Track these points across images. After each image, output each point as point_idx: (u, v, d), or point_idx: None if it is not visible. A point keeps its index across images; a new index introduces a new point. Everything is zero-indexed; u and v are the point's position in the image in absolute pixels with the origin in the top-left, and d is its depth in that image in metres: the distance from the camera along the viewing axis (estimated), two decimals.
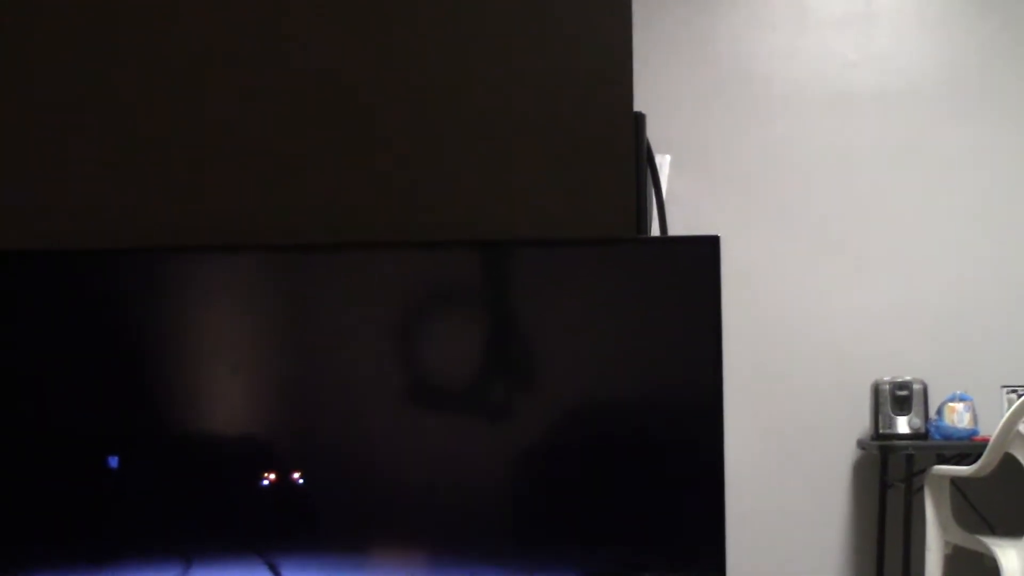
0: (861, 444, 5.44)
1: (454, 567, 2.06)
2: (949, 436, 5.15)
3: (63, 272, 2.10)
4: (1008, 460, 4.60)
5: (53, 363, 2.08)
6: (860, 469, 5.51)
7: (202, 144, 2.33)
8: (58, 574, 2.05)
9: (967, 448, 5.09)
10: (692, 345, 2.01)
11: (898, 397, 5.21)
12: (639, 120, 2.29)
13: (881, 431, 5.22)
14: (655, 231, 2.49)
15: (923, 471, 5.04)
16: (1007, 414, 4.53)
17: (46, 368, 2.08)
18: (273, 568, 2.05)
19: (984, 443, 4.77)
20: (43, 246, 2.20)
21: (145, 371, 2.08)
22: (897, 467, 5.21)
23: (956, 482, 5.12)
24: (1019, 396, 5.20)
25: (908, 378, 5.24)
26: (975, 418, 5.19)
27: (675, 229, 2.60)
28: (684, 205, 5.30)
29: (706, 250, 2.00)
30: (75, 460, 2.07)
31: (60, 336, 2.08)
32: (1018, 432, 4.56)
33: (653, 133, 2.39)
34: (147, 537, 2.05)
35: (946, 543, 4.98)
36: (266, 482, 2.06)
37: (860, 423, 5.44)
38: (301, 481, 2.05)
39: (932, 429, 5.19)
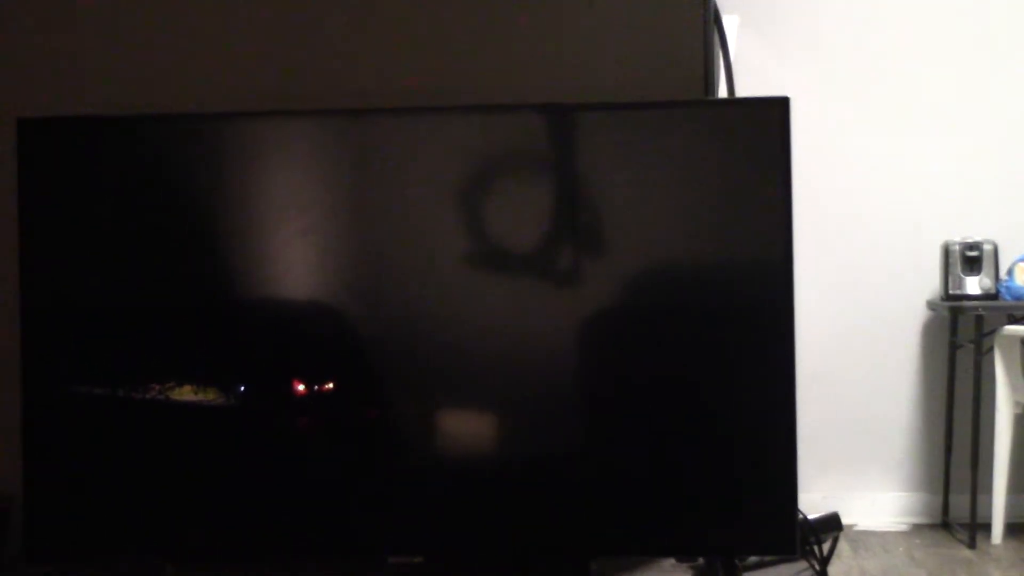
0: (931, 305, 5.41)
1: (521, 430, 2.08)
2: (1019, 296, 5.11)
3: (133, 138, 2.12)
4: None
5: (124, 230, 2.11)
6: (930, 330, 5.49)
7: (266, 11, 2.33)
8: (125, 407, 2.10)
9: None
10: (762, 208, 2.00)
11: (968, 258, 5.17)
12: None
13: (951, 292, 5.19)
14: (723, 94, 2.47)
15: (993, 331, 5.01)
16: None
17: (117, 234, 2.11)
18: (337, 430, 2.08)
19: None
20: (115, 112, 2.21)
21: (215, 236, 2.11)
22: (967, 328, 5.19)
23: None
24: None
25: (978, 239, 5.20)
26: None
27: (743, 92, 2.58)
28: (752, 68, 5.24)
29: (775, 112, 1.99)
30: (147, 325, 2.11)
31: (130, 202, 2.11)
32: None
33: None
34: (214, 383, 2.09)
35: (1016, 403, 4.97)
36: (333, 343, 2.09)
37: (930, 285, 5.40)
38: (368, 344, 2.08)
39: (1002, 289, 5.15)
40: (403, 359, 2.08)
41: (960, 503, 5.22)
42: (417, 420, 2.10)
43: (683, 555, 2.13)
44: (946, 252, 5.22)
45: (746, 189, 2.01)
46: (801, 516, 2.03)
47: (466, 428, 2.11)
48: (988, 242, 5.18)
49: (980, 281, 5.16)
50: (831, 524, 2.13)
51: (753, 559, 2.09)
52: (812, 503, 2.25)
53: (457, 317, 2.07)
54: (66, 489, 2.12)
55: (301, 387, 2.07)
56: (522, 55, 2.30)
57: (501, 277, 2.07)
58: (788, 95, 1.99)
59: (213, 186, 2.12)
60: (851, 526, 5.33)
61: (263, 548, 2.13)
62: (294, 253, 2.10)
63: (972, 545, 4.98)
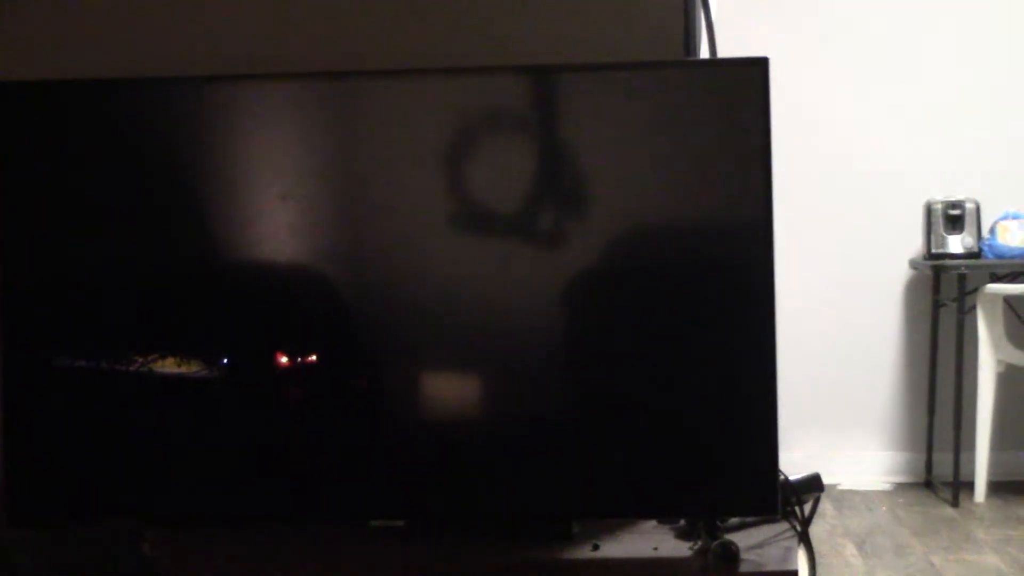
0: (913, 264, 5.42)
1: (504, 392, 2.08)
2: (1002, 255, 5.12)
3: (108, 104, 2.11)
4: None
5: (102, 198, 2.09)
6: (913, 289, 5.50)
7: None
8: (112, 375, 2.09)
9: (1020, 267, 5.06)
10: (742, 168, 2.00)
11: (950, 216, 5.17)
12: None
13: (933, 251, 5.19)
14: (705, 54, 2.46)
15: (975, 290, 5.02)
16: None
17: (95, 203, 2.10)
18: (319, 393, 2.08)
19: None
20: (88, 76, 2.19)
21: (195, 204, 2.10)
22: (950, 286, 5.20)
23: (1009, 300, 5.12)
24: None
25: (960, 197, 5.20)
26: None
27: (725, 52, 2.57)
28: (735, 27, 5.21)
29: (755, 72, 1.98)
30: (125, 289, 2.10)
31: (107, 170, 2.10)
32: None
33: None
34: (192, 353, 2.08)
35: (998, 361, 4.99)
36: (315, 308, 2.08)
37: (913, 243, 5.41)
38: (352, 309, 2.08)
39: (985, 248, 5.16)
40: (386, 324, 2.08)
41: (943, 462, 5.24)
42: (400, 385, 2.10)
43: (665, 516, 2.13)
44: (928, 211, 5.22)
45: (726, 149, 2.01)
46: (782, 477, 2.03)
47: (449, 392, 2.11)
48: (970, 200, 5.18)
49: (962, 240, 5.16)
50: (812, 485, 2.13)
51: (735, 520, 2.10)
52: (795, 463, 2.25)
53: (440, 280, 2.07)
54: (47, 455, 2.11)
55: (284, 359, 2.07)
56: (502, 16, 2.28)
57: (484, 239, 2.06)
58: (769, 55, 1.99)
59: (192, 152, 2.10)
60: (834, 485, 5.35)
61: (244, 514, 2.13)
62: (276, 219, 2.09)
63: (955, 503, 5.01)
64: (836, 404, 5.51)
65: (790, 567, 1.97)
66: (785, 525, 2.10)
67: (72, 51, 2.33)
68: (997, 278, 5.09)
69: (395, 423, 2.09)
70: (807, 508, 2.12)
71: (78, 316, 2.10)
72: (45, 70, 2.24)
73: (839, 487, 5.37)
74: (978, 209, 5.18)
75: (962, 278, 5.03)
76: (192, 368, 2.07)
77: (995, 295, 4.98)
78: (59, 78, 2.14)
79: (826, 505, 5.00)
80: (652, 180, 2.04)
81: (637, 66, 2.07)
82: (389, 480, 2.08)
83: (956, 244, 5.16)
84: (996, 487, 5.15)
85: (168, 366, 2.07)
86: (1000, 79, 5.44)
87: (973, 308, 5.02)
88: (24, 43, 2.35)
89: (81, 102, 2.10)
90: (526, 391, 2.07)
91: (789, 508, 2.09)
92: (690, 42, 2.28)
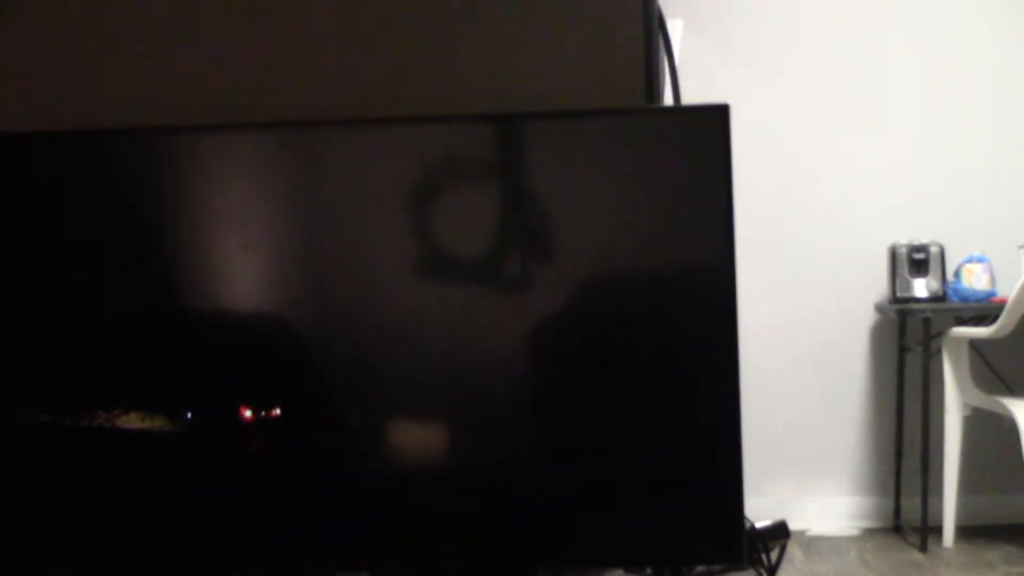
0: (879, 308, 5.44)
1: (469, 439, 2.07)
2: (967, 298, 5.15)
3: (66, 153, 2.09)
4: None
5: (61, 248, 2.08)
6: (878, 333, 5.52)
7: (207, 21, 2.31)
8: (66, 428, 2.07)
9: (985, 309, 5.09)
10: (704, 213, 2.00)
11: (915, 260, 5.20)
12: None
13: (899, 295, 5.22)
14: (668, 99, 2.47)
15: (941, 333, 5.04)
16: None
17: (55, 253, 2.08)
18: (285, 441, 2.07)
19: (1002, 304, 4.78)
20: (50, 127, 2.18)
21: (156, 252, 2.08)
22: (915, 330, 5.22)
23: (974, 344, 5.14)
24: None
25: (925, 241, 5.23)
26: (992, 279, 5.18)
27: (689, 96, 2.58)
28: (699, 71, 5.25)
29: (715, 119, 1.98)
30: (90, 337, 2.08)
31: (67, 219, 2.08)
32: None
33: None
34: (156, 406, 2.06)
35: (964, 404, 5.00)
36: (279, 358, 2.07)
37: (878, 287, 5.43)
38: (316, 359, 2.06)
39: (950, 291, 5.19)
40: (350, 372, 2.07)
41: (912, 506, 5.25)
42: (365, 434, 2.08)
43: (629, 565, 2.12)
44: (893, 254, 5.25)
45: (689, 194, 2.01)
46: (748, 524, 2.02)
47: (414, 439, 2.09)
48: (935, 244, 5.21)
49: (927, 283, 5.19)
50: (778, 532, 2.13)
51: (701, 568, 2.09)
52: (764, 509, 2.25)
53: (405, 327, 2.06)
54: (5, 510, 2.08)
55: (248, 411, 2.05)
56: (464, 65, 2.28)
57: (449, 286, 2.06)
58: (731, 99, 1.99)
59: (151, 202, 2.09)
60: (803, 531, 5.35)
61: (210, 566, 2.11)
62: (238, 270, 2.08)
63: (924, 548, 5.01)
64: (804, 449, 5.52)
65: None
66: (752, 573, 2.09)
67: (30, 102, 2.32)
68: (962, 321, 5.12)
69: (359, 472, 2.07)
70: (774, 555, 2.11)
71: (37, 369, 2.08)
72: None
73: (808, 532, 5.36)
74: (943, 252, 5.21)
75: (927, 322, 5.05)
76: (156, 422, 2.06)
77: (960, 338, 5.00)
78: (12, 130, 2.13)
79: (795, 551, 4.99)
80: (615, 225, 2.04)
81: (598, 113, 2.08)
82: (353, 530, 2.06)
83: (921, 288, 5.19)
84: (964, 531, 5.16)
85: (132, 420, 2.05)
86: (964, 122, 5.48)
87: (939, 352, 5.04)
88: None
89: (37, 153, 2.09)
90: (491, 438, 2.06)
91: (756, 555, 2.08)
92: (652, 88, 2.28)
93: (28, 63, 2.33)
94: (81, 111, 2.28)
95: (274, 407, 2.05)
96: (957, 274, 5.21)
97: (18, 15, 2.33)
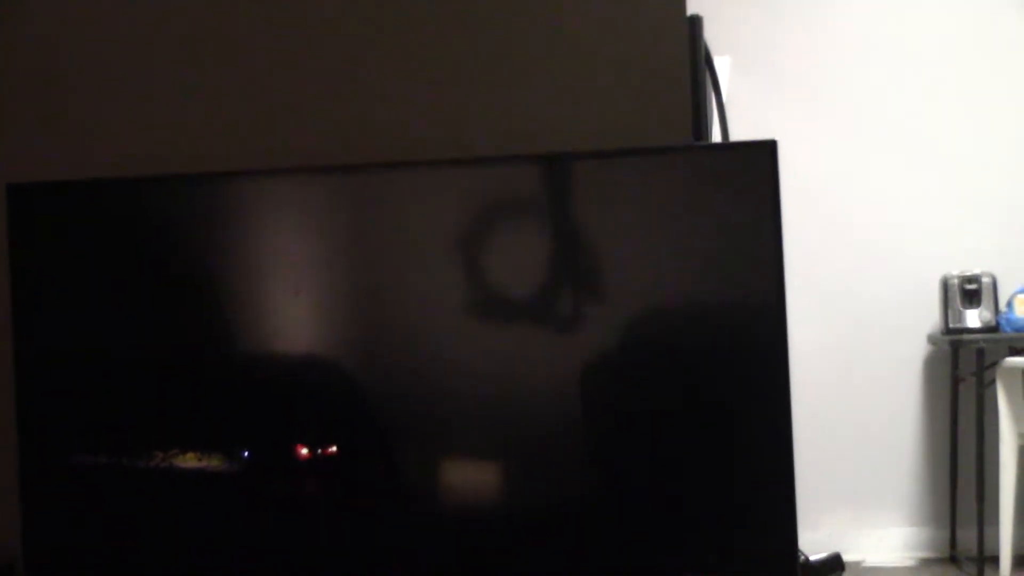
0: (932, 340, 5.42)
1: (522, 479, 2.08)
2: (1019, 328, 5.11)
3: (123, 201, 2.13)
4: None
5: (118, 295, 2.11)
6: (931, 365, 5.49)
7: (254, 69, 2.35)
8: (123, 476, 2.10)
9: None
10: (754, 249, 2.00)
11: (967, 291, 5.17)
12: (694, 23, 2.28)
13: (951, 326, 5.19)
14: (716, 136, 2.48)
15: (994, 364, 5.01)
16: None
17: (112, 300, 2.11)
18: (339, 482, 2.08)
19: None
20: (102, 174, 2.21)
21: (213, 296, 2.11)
22: (968, 361, 5.19)
23: None
24: None
25: (977, 271, 5.20)
26: None
27: (738, 132, 2.59)
28: (747, 108, 5.26)
29: (764, 155, 1.99)
30: (148, 380, 2.11)
31: (123, 266, 2.11)
32: None
33: (712, 35, 2.38)
34: (212, 446, 2.08)
35: (1020, 435, 4.97)
36: (332, 400, 2.09)
37: (930, 319, 5.41)
38: (370, 400, 2.08)
39: (1002, 322, 5.16)
40: (405, 414, 2.08)
41: (967, 537, 5.21)
42: (420, 473, 2.09)
43: None
44: (945, 286, 5.22)
45: (738, 231, 2.02)
46: (803, 558, 2.02)
47: (468, 479, 2.10)
48: (987, 275, 5.19)
49: (980, 314, 5.16)
50: (833, 564, 2.12)
51: None
52: (818, 542, 2.25)
53: (457, 368, 2.07)
54: (66, 552, 2.11)
55: (304, 451, 2.07)
56: (512, 104, 2.30)
57: (500, 326, 2.07)
58: (780, 136, 2.00)
59: (205, 247, 2.12)
60: (859, 562, 5.32)
61: None
62: (291, 312, 2.10)
63: None
64: (858, 481, 5.48)
65: None
66: None
67: (82, 151, 2.36)
68: (1016, 351, 5.09)
69: (415, 511, 2.08)
70: None
71: (95, 411, 2.11)
72: (62, 170, 2.27)
73: (863, 564, 5.33)
74: (995, 283, 5.19)
75: (980, 352, 5.02)
76: (212, 462, 2.08)
77: (1014, 368, 4.97)
78: (74, 179, 2.17)
79: None
80: (665, 263, 2.05)
81: (647, 151, 2.09)
82: (408, 568, 2.07)
83: (974, 318, 5.16)
84: (1022, 561, 5.11)
85: (188, 460, 2.08)
86: (1015, 151, 5.46)
87: (993, 382, 5.01)
88: (33, 141, 2.38)
89: (96, 201, 2.12)
90: (545, 476, 2.06)
91: None
92: (700, 124, 2.30)
93: (69, 110, 2.37)
94: (141, 160, 2.32)
95: (329, 447, 2.07)
96: (1009, 304, 5.18)
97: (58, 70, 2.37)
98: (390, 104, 2.32)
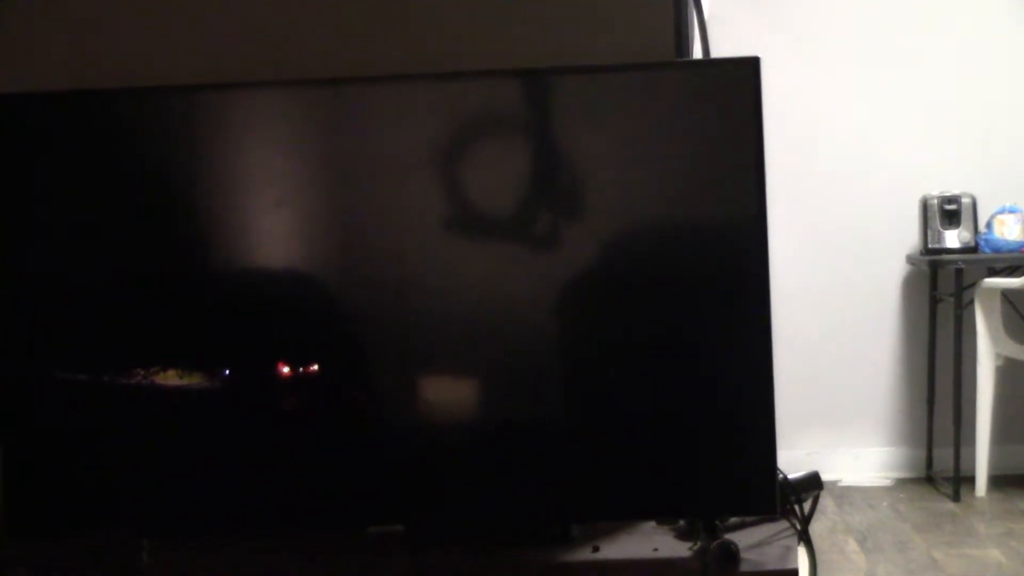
0: (911, 260, 5.42)
1: (501, 396, 2.08)
2: (999, 249, 5.12)
3: (99, 114, 2.10)
4: None
5: (96, 210, 2.09)
6: (910, 285, 5.50)
7: None
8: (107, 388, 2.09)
9: (1017, 260, 5.07)
10: (735, 167, 1.99)
11: (947, 211, 5.17)
12: None
13: (930, 246, 5.20)
14: (698, 54, 2.46)
15: (973, 284, 5.03)
16: None
17: (89, 215, 2.09)
18: (316, 394, 2.08)
19: None
20: (79, 86, 2.18)
21: (191, 210, 2.09)
22: (947, 281, 5.20)
23: (1006, 294, 5.12)
24: None
25: (957, 192, 5.20)
26: None
27: (719, 51, 2.57)
28: (728, 25, 5.22)
29: (746, 72, 1.98)
30: (127, 297, 2.10)
31: (99, 180, 2.09)
32: None
33: None
34: (191, 362, 2.08)
35: (997, 355, 4.99)
36: (312, 315, 2.08)
37: (909, 239, 5.41)
38: (349, 316, 2.07)
39: (982, 242, 5.16)
40: (383, 329, 2.07)
41: (944, 457, 5.25)
42: (398, 390, 2.09)
43: (664, 517, 2.13)
44: (924, 206, 5.23)
45: (719, 149, 2.01)
46: (781, 476, 2.03)
47: (446, 397, 2.10)
48: (966, 195, 5.19)
49: (959, 234, 5.17)
50: (811, 483, 2.13)
51: (734, 520, 2.10)
52: (796, 461, 2.26)
53: (437, 285, 2.06)
54: (45, 467, 2.10)
55: (286, 368, 2.07)
56: (493, 20, 2.28)
57: (480, 243, 2.06)
58: (763, 53, 1.98)
59: (184, 161, 2.10)
60: (835, 482, 5.36)
61: (243, 523, 2.13)
62: (272, 227, 2.09)
63: (956, 498, 5.01)
64: (836, 401, 5.51)
65: (790, 566, 1.97)
66: (785, 524, 2.10)
67: (61, 61, 2.33)
68: (994, 272, 5.10)
69: (393, 429, 2.08)
70: (807, 506, 2.12)
71: (75, 329, 2.10)
72: (37, 79, 2.24)
73: (840, 483, 5.37)
74: (975, 203, 5.19)
75: (959, 273, 5.03)
76: (193, 380, 2.07)
77: (993, 289, 4.98)
78: (48, 89, 2.14)
79: (827, 502, 5.00)
80: (645, 181, 2.04)
81: (628, 67, 2.07)
82: (388, 486, 2.07)
83: (953, 239, 5.17)
84: (997, 481, 5.16)
85: (169, 378, 2.07)
86: (996, 73, 5.44)
87: (971, 303, 5.03)
88: (11, 54, 2.34)
89: (71, 112, 2.09)
90: (523, 395, 2.06)
91: (788, 506, 2.09)
92: (682, 43, 2.28)
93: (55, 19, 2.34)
94: (120, 69, 2.29)
95: (310, 365, 2.06)
96: (989, 225, 5.18)
97: None
98: (368, 21, 2.29)
